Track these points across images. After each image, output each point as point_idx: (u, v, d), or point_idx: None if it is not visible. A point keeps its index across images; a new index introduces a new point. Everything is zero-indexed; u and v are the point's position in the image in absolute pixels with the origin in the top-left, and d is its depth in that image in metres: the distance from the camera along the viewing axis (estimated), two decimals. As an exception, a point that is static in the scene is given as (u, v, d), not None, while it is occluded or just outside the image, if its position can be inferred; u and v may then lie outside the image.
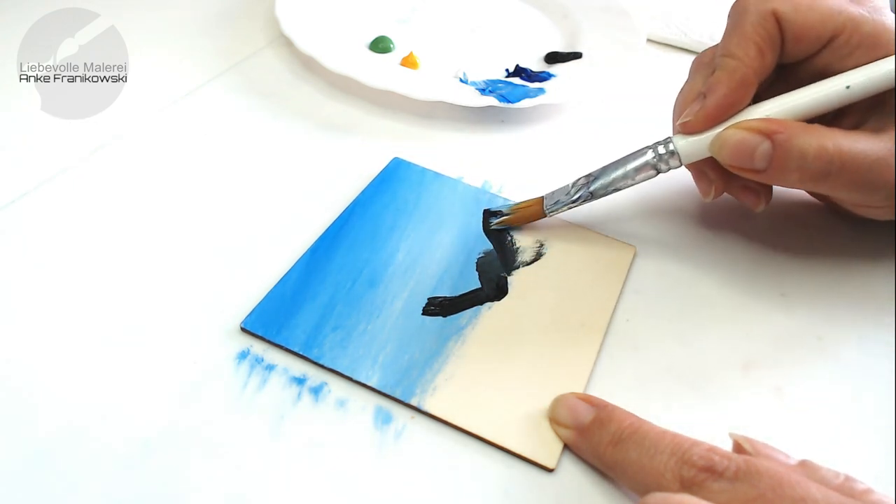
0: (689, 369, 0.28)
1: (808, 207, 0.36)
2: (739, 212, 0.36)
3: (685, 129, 0.31)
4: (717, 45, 0.32)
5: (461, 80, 0.41)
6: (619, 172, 0.31)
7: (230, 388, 0.26)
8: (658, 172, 0.31)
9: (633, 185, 0.32)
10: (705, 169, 0.32)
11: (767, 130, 0.29)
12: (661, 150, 0.31)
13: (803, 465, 0.22)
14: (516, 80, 0.41)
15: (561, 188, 0.33)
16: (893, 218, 0.32)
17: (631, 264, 0.32)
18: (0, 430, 0.24)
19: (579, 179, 0.32)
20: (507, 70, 0.43)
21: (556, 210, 0.32)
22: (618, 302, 0.31)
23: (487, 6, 0.50)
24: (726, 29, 0.31)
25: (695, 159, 0.31)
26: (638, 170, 0.31)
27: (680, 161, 0.31)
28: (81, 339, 0.27)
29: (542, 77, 0.42)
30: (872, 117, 0.30)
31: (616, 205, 0.35)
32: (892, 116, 0.29)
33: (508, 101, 0.39)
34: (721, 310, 0.31)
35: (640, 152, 0.31)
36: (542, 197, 0.33)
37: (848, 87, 0.29)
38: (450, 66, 0.42)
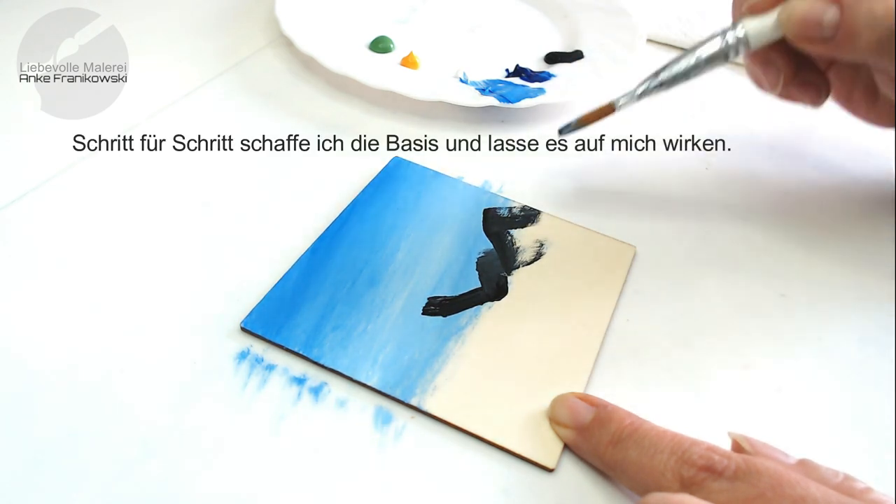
0: (689, 369, 0.28)
1: (809, 207, 0.36)
2: (740, 212, 0.36)
3: (754, 9, 0.31)
4: None
5: (461, 80, 0.41)
6: (691, 62, 0.32)
7: (230, 388, 0.26)
8: (727, 60, 0.31)
9: (701, 74, 0.32)
10: (773, 57, 0.32)
11: None
12: (730, 37, 0.31)
13: (803, 464, 0.22)
14: (516, 80, 0.41)
15: (627, 91, 0.33)
16: None
17: (631, 264, 0.32)
18: (0, 430, 0.24)
19: (649, 75, 0.32)
20: (507, 70, 0.43)
21: (627, 103, 0.33)
22: (618, 302, 0.31)
23: (487, 6, 0.50)
24: None
25: (765, 41, 0.31)
26: (708, 60, 0.31)
27: (749, 45, 0.31)
28: (81, 338, 0.27)
29: (542, 77, 0.42)
30: None
31: (616, 205, 0.35)
32: None
33: (508, 101, 0.39)
34: (721, 310, 0.31)
35: (709, 40, 0.31)
36: (611, 100, 0.33)
37: None
38: (450, 66, 0.42)
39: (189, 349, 0.27)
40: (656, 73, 0.32)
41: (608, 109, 0.33)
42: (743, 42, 0.31)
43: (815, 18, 0.29)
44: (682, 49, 0.48)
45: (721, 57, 0.31)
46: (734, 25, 0.31)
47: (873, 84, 0.33)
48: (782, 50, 0.31)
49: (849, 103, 0.35)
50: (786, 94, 0.33)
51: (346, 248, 0.31)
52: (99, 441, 0.24)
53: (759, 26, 0.31)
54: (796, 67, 0.32)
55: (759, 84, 0.34)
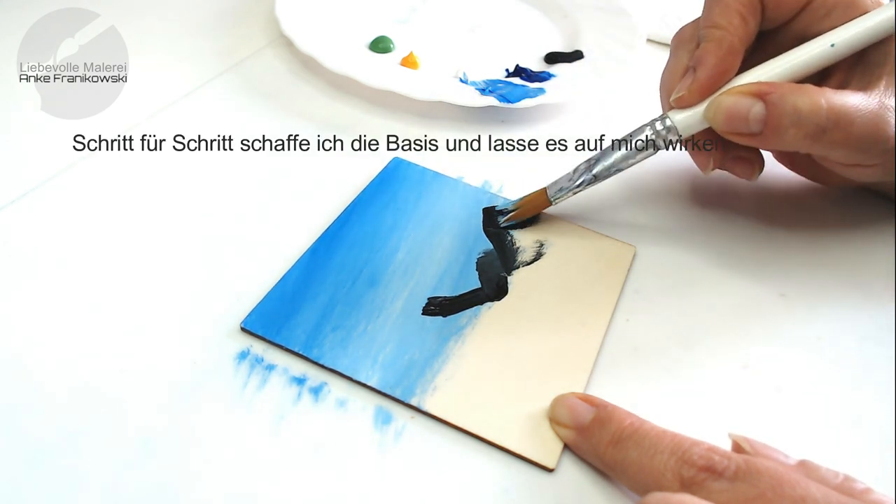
0: (689, 369, 0.28)
1: (809, 207, 0.36)
2: (740, 212, 0.36)
3: (679, 103, 0.31)
4: (697, 20, 0.32)
5: (461, 80, 0.41)
6: (621, 153, 0.32)
7: (230, 388, 0.26)
8: (657, 150, 0.32)
9: (634, 164, 0.32)
10: (701, 144, 0.32)
11: (759, 92, 0.29)
12: (659, 126, 0.31)
13: (803, 464, 0.22)
14: (516, 80, 0.41)
15: (563, 176, 0.33)
16: (887, 178, 0.32)
17: (631, 264, 0.32)
18: (0, 430, 0.24)
19: (580, 165, 0.32)
20: (507, 70, 0.43)
21: (561, 197, 0.32)
22: (618, 302, 0.31)
23: (487, 6, 0.50)
24: (707, 2, 0.32)
25: (692, 132, 0.31)
26: (638, 149, 0.32)
27: (679, 135, 0.31)
28: (82, 338, 0.27)
29: (542, 77, 0.42)
30: (855, 77, 0.31)
31: (616, 204, 0.35)
32: (875, 72, 0.30)
33: (508, 101, 0.39)
34: (721, 310, 0.31)
35: (638, 131, 0.32)
36: (545, 188, 0.33)
37: (833, 46, 0.30)
38: (450, 66, 0.42)
39: (189, 349, 0.27)
40: (589, 166, 0.32)
41: (543, 203, 0.33)
42: (671, 130, 0.31)
43: (741, 114, 0.29)
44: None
45: (651, 146, 0.31)
46: (662, 117, 0.31)
47: None
48: (711, 136, 0.31)
49: (792, 165, 0.36)
50: (721, 168, 0.33)
51: (346, 249, 0.31)
52: (99, 441, 0.24)
53: (686, 118, 0.31)
54: (726, 148, 0.32)
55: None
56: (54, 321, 0.27)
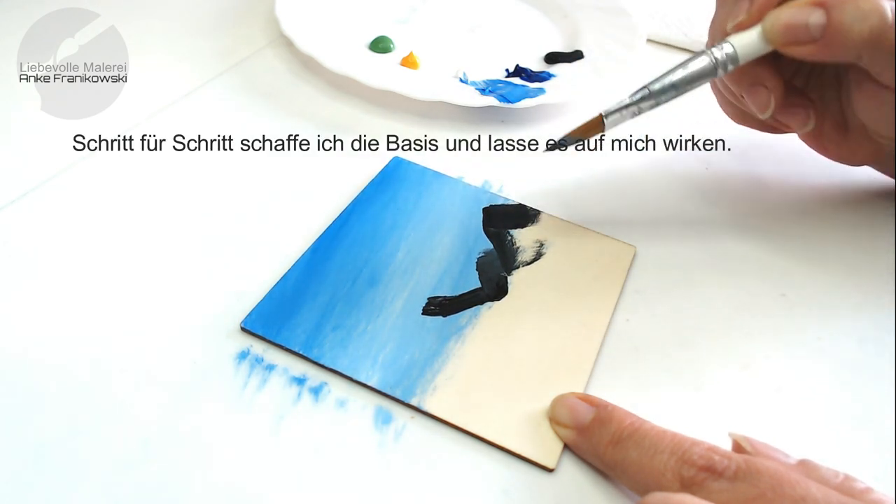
0: (689, 369, 0.28)
1: (808, 207, 0.36)
2: (740, 212, 0.36)
3: (738, 27, 0.31)
4: None
5: (461, 80, 0.41)
6: (679, 76, 0.31)
7: (230, 388, 0.26)
8: (716, 76, 0.31)
9: (691, 90, 0.31)
10: (762, 76, 0.32)
11: (818, 1, 0.29)
12: (718, 54, 0.31)
13: (803, 464, 0.22)
14: (516, 80, 0.41)
15: (617, 103, 0.32)
16: None
17: (631, 264, 0.32)
18: (0, 430, 0.24)
19: (636, 91, 0.32)
20: (507, 70, 0.43)
21: (618, 119, 0.32)
22: (618, 302, 0.31)
23: (487, 6, 0.50)
24: None
25: (752, 56, 0.31)
26: (697, 75, 0.31)
27: (737, 61, 0.31)
28: (81, 338, 0.27)
29: (542, 77, 0.42)
30: None
31: (616, 204, 0.35)
32: None
33: (508, 101, 0.39)
34: (721, 310, 0.31)
35: (697, 57, 0.31)
36: (600, 113, 0.32)
37: None
38: (450, 66, 0.42)
39: (189, 349, 0.27)
40: (647, 86, 0.31)
41: (597, 125, 0.32)
42: (731, 58, 0.31)
43: (800, 22, 0.29)
44: (682, 49, 0.49)
45: (710, 73, 0.31)
46: (720, 45, 0.31)
47: (843, 118, 0.33)
48: (770, 69, 0.31)
49: (818, 139, 0.35)
50: (772, 121, 0.33)
51: (346, 248, 0.31)
52: (99, 441, 0.24)
53: (745, 40, 0.31)
54: (786, 85, 0.32)
55: (739, 119, 0.34)
56: (54, 321, 0.27)
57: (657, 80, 0.31)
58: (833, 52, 0.30)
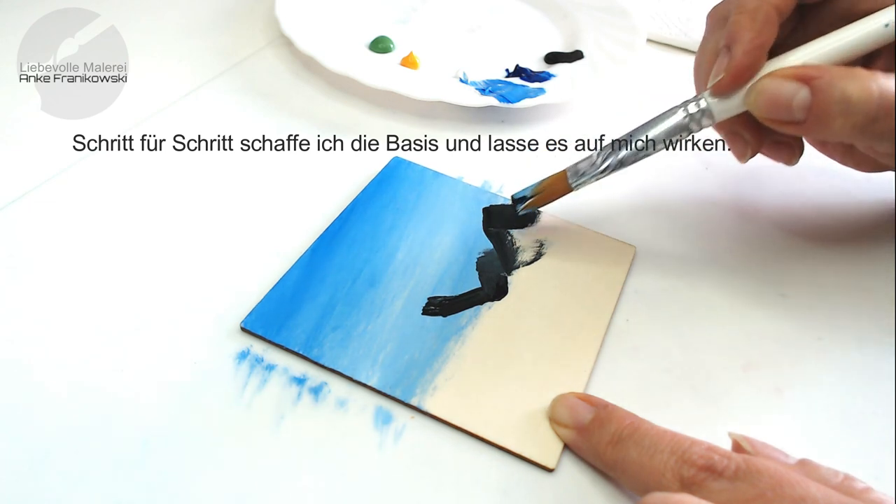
0: (689, 369, 0.28)
1: (808, 207, 0.36)
2: (739, 212, 0.36)
3: (718, 90, 0.29)
4: None
5: (461, 80, 0.41)
6: (652, 134, 0.30)
7: (230, 387, 0.26)
8: (690, 133, 0.30)
9: (664, 149, 0.30)
10: (738, 129, 0.31)
11: (805, 76, 0.26)
12: (693, 108, 0.29)
13: (803, 464, 0.22)
14: (516, 80, 0.41)
15: (584, 159, 0.31)
16: None
17: (631, 264, 0.32)
18: (0, 431, 0.24)
19: (605, 147, 0.31)
20: (507, 70, 0.43)
21: (583, 182, 0.31)
22: (618, 302, 0.31)
23: (487, 6, 0.50)
24: None
25: (728, 115, 0.29)
26: (670, 132, 0.30)
27: (713, 119, 0.29)
28: (81, 338, 0.27)
29: (542, 77, 0.42)
30: None
31: (616, 205, 0.35)
32: None
33: (508, 101, 0.39)
34: (721, 310, 0.31)
35: (671, 112, 0.30)
36: (564, 171, 0.31)
37: (887, 25, 0.27)
38: (450, 66, 0.42)
39: (189, 349, 0.27)
40: (615, 150, 0.30)
41: (563, 189, 0.31)
42: (706, 113, 0.29)
43: (784, 101, 0.27)
44: (681, 49, 0.49)
45: (683, 129, 0.29)
46: (697, 97, 0.30)
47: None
48: (748, 120, 0.29)
49: (824, 148, 0.34)
50: (759, 153, 0.32)
51: (346, 248, 0.31)
52: (99, 441, 0.24)
53: (723, 102, 0.29)
54: (764, 135, 0.31)
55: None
56: (54, 321, 0.27)
57: (626, 143, 0.30)
58: (816, 137, 0.29)
